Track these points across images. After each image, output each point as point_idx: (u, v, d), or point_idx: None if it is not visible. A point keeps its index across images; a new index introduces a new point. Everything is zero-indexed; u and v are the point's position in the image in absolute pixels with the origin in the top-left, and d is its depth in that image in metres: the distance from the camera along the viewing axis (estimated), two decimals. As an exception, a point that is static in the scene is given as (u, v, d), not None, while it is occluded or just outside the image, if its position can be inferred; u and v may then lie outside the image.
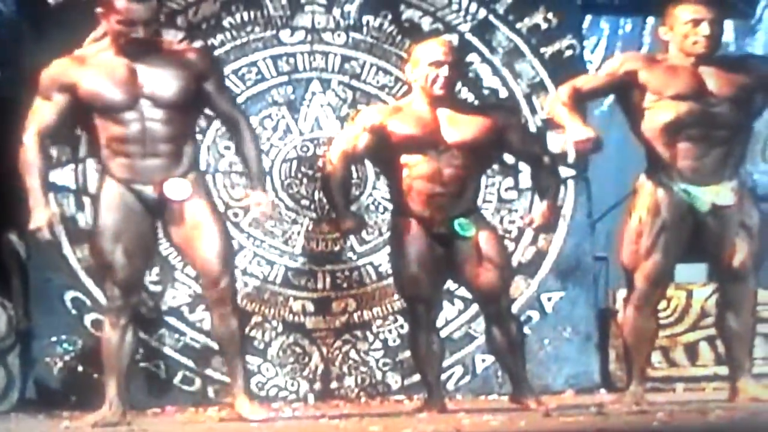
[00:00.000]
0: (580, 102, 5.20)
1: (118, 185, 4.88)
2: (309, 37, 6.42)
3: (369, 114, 5.44)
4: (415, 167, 5.29)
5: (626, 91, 5.21)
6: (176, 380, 6.17)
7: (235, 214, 6.33)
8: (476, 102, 6.37)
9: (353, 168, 5.61)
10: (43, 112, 4.87)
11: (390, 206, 5.89)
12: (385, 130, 5.30)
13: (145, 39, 4.85)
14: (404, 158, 5.29)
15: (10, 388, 6.14)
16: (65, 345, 6.16)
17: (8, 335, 6.16)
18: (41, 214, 4.88)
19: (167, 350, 6.20)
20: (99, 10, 4.87)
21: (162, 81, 4.88)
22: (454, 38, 6.49)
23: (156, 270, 6.18)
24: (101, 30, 4.96)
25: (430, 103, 5.32)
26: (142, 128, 4.86)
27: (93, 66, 4.89)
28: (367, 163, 6.23)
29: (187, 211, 4.92)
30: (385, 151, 5.35)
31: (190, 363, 6.21)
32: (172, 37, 6.17)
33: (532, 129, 6.51)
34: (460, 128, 5.31)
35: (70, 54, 5.01)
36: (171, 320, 6.24)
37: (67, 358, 6.17)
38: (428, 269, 5.29)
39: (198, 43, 6.20)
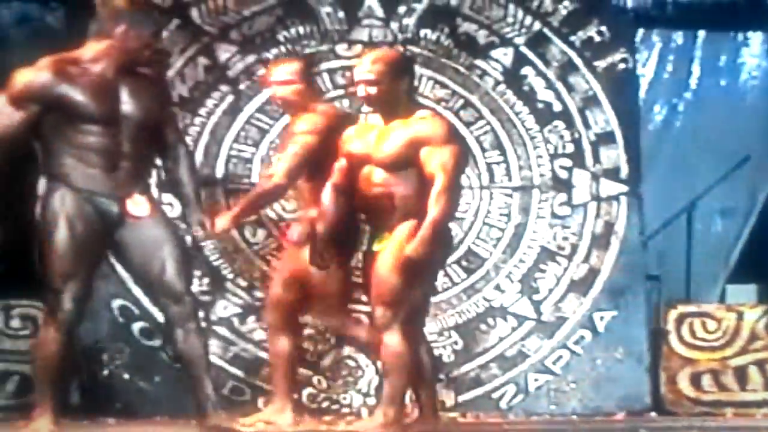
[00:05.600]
0: None
1: (76, 195, 4.86)
2: (366, 51, 6.38)
3: None
4: None
5: None
6: (225, 390, 6.15)
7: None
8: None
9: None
10: (7, 117, 4.80)
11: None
12: None
13: (133, 61, 4.90)
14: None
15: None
16: (111, 352, 6.15)
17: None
18: None
19: (217, 360, 6.18)
20: (106, 28, 4.88)
21: (136, 101, 4.91)
22: (510, 51, 6.50)
23: (206, 280, 6.18)
24: (97, 46, 4.94)
25: None
26: (115, 143, 4.87)
27: (76, 77, 4.86)
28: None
29: (147, 229, 4.92)
30: None
31: (240, 373, 6.20)
32: (225, 52, 6.24)
33: (586, 144, 6.52)
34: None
35: (52, 62, 4.93)
36: (221, 330, 6.23)
37: (113, 365, 6.16)
38: None
39: (252, 57, 6.23)
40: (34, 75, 4.86)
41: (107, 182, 4.86)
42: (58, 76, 4.83)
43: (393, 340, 5.01)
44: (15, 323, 6.13)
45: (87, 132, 4.85)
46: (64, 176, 4.86)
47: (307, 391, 6.16)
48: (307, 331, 6.17)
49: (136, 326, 6.16)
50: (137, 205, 4.90)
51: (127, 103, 4.89)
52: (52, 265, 4.86)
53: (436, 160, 5.01)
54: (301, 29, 6.37)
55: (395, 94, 5.12)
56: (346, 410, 6.19)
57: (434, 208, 4.95)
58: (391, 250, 5.04)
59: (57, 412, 4.95)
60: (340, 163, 5.22)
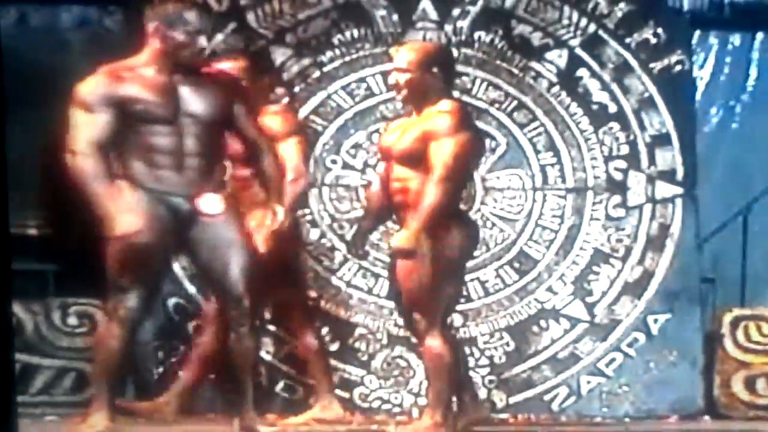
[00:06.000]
0: None
1: (149, 195, 4.90)
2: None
3: None
4: None
5: None
6: (278, 388, 6.21)
7: (341, 227, 6.35)
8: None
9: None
10: (91, 126, 4.87)
11: (498, 221, 5.90)
12: None
13: (189, 59, 4.94)
14: None
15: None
16: (166, 350, 6.23)
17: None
18: (127, 218, 4.88)
19: (269, 358, 6.24)
20: (151, 28, 4.93)
21: (199, 99, 4.95)
22: (564, 53, 6.50)
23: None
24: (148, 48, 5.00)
25: None
26: (179, 142, 4.91)
27: (135, 81, 4.92)
28: (477, 177, 6.28)
29: (218, 228, 4.95)
30: None
31: (293, 371, 6.24)
32: (280, 55, 6.29)
33: (641, 145, 6.50)
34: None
35: (108, 70, 5.01)
36: (273, 329, 6.28)
37: (167, 363, 6.24)
38: None
39: (306, 60, 6.29)
40: (94, 84, 4.93)
41: (177, 181, 4.90)
42: (116, 81, 4.90)
43: (434, 343, 5.03)
44: (72, 321, 6.23)
45: (150, 133, 4.90)
46: (134, 178, 4.92)
47: (358, 391, 6.21)
48: (359, 331, 6.26)
49: (191, 324, 6.23)
50: (209, 202, 4.93)
51: (189, 102, 4.92)
52: (122, 263, 4.91)
53: (439, 152, 4.99)
54: (355, 32, 6.41)
55: (425, 85, 5.10)
56: (397, 410, 6.23)
57: (425, 199, 4.95)
58: (416, 253, 5.05)
59: (113, 408, 5.02)
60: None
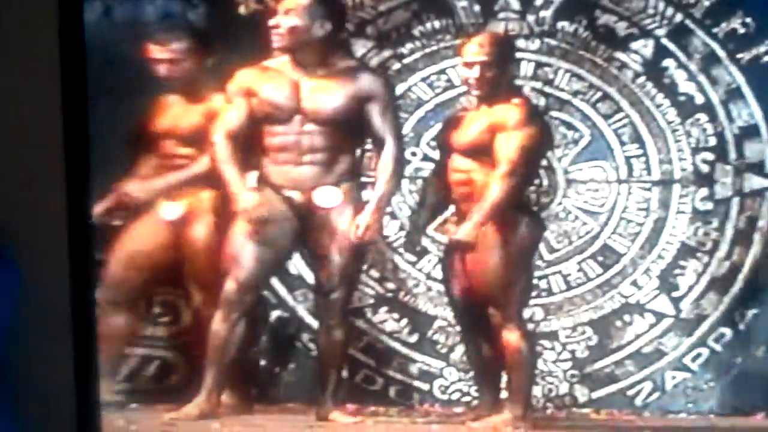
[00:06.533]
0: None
1: (271, 190, 5.07)
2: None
3: None
4: None
5: None
6: (358, 379, 6.23)
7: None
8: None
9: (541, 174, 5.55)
10: (229, 115, 5.12)
11: (581, 214, 5.83)
12: None
13: (318, 55, 5.04)
14: None
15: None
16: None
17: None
18: (248, 195, 5.05)
19: (350, 349, 6.25)
20: (271, 23, 5.06)
21: (323, 97, 5.04)
22: (650, 43, 6.41)
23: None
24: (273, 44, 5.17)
25: None
26: (298, 139, 5.04)
27: (268, 77, 5.08)
28: (559, 170, 6.22)
29: (331, 220, 5.02)
30: None
31: (372, 362, 6.26)
32: (361, 47, 6.27)
33: (729, 136, 6.38)
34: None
35: (256, 64, 5.20)
36: (354, 320, 6.28)
37: (250, 352, 6.27)
38: None
39: (387, 52, 6.27)
40: (237, 77, 5.14)
41: (296, 176, 5.03)
42: (252, 77, 5.08)
43: (512, 336, 5.02)
44: (155, 310, 6.28)
45: (274, 131, 5.05)
46: (264, 174, 5.08)
47: (438, 383, 6.19)
48: (438, 323, 6.23)
49: (274, 314, 6.26)
50: (326, 196, 5.04)
51: (308, 100, 5.04)
52: (238, 257, 5.06)
53: (505, 145, 4.99)
54: (436, 23, 6.38)
55: (501, 78, 5.11)
56: (476, 403, 6.18)
57: (489, 193, 4.95)
58: (486, 246, 5.04)
59: (213, 397, 5.14)
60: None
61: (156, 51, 5.81)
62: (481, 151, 5.07)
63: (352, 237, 5.24)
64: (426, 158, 6.37)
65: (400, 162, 5.35)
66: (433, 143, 6.28)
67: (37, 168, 4.13)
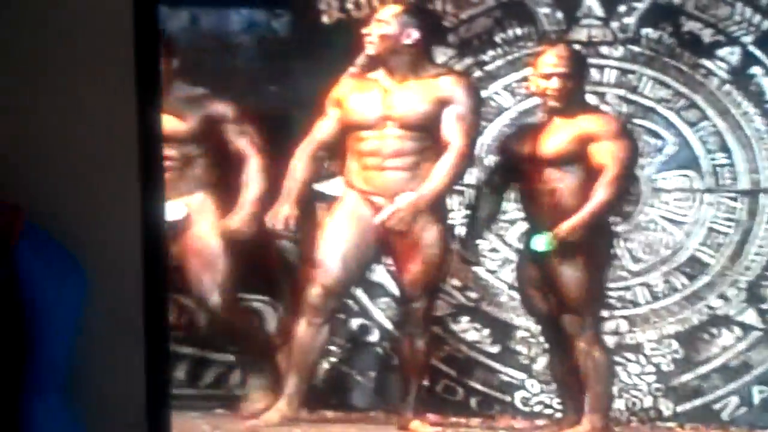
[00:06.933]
0: None
1: (356, 196, 5.15)
2: (584, 51, 6.30)
3: None
4: None
5: None
6: (438, 388, 6.19)
7: (502, 228, 6.29)
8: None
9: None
10: (319, 126, 5.21)
11: (666, 224, 5.75)
12: None
13: (408, 62, 5.13)
14: None
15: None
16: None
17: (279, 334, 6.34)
18: (282, 209, 5.20)
19: (431, 359, 6.18)
20: (365, 31, 5.13)
21: (409, 104, 5.14)
22: (736, 50, 6.30)
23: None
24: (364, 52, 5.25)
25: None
26: (382, 144, 5.12)
27: (357, 85, 5.16)
28: (643, 178, 6.13)
29: (413, 225, 5.09)
30: None
31: (453, 372, 6.22)
32: (442, 55, 6.25)
33: (818, 147, 6.25)
34: None
35: (341, 73, 5.27)
36: (434, 330, 6.25)
37: (331, 360, 6.29)
38: None
39: (469, 60, 6.23)
40: (332, 87, 5.24)
41: (380, 181, 5.13)
42: (343, 86, 5.19)
43: (587, 347, 4.98)
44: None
45: (360, 137, 5.15)
46: (350, 180, 5.17)
47: (519, 394, 6.14)
48: (520, 334, 6.18)
49: (355, 322, 6.27)
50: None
51: (395, 107, 5.15)
52: (325, 264, 5.14)
53: (607, 153, 4.99)
54: (518, 31, 6.34)
55: (579, 89, 5.13)
56: (559, 415, 6.12)
57: (598, 194, 4.92)
58: (567, 255, 5.02)
59: (296, 403, 5.20)
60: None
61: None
62: (570, 161, 5.09)
63: (376, 219, 5.30)
64: (498, 167, 6.33)
65: (460, 166, 5.35)
66: (506, 152, 6.29)
67: (113, 174, 4.17)
